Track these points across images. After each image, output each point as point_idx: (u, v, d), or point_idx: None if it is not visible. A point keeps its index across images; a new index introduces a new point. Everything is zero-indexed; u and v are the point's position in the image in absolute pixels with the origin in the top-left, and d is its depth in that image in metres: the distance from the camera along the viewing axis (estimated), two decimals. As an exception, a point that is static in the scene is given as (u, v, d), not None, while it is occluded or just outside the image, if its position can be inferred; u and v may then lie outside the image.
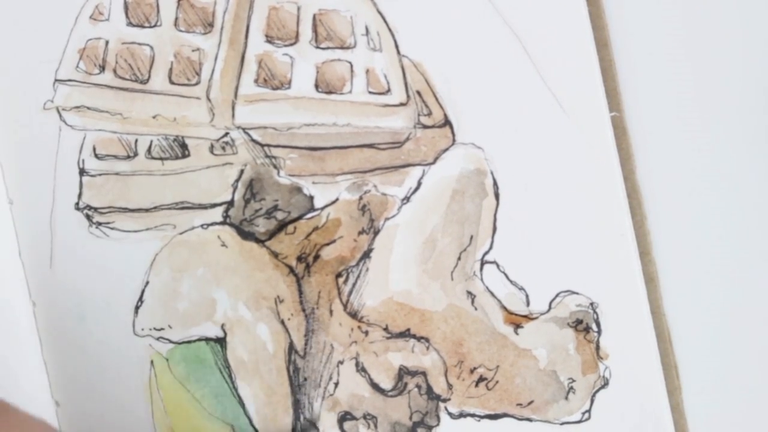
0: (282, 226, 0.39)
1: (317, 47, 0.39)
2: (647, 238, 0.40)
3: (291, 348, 0.40)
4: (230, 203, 0.39)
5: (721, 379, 0.40)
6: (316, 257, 0.39)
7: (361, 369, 0.40)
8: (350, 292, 0.39)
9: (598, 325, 0.39)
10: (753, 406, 0.40)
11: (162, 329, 0.39)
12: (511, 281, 0.39)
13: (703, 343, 0.40)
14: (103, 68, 0.39)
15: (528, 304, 0.39)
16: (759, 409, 0.40)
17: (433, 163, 0.39)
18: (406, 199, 0.39)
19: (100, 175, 0.40)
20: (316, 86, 0.39)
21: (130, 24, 0.39)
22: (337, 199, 0.39)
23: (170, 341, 0.40)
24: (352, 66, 0.39)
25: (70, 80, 0.39)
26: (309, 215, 0.39)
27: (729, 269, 0.40)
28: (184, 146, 0.39)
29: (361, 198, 0.39)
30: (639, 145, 0.40)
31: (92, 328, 0.39)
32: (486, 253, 0.39)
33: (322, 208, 0.39)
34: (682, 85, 0.40)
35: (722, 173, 0.40)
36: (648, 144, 0.40)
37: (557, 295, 0.39)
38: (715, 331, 0.40)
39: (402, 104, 0.39)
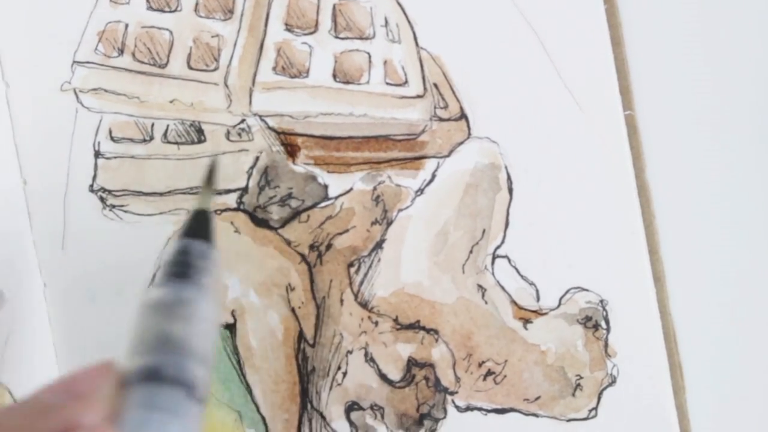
0: (295, 214, 0.40)
1: (336, 37, 0.39)
2: (655, 237, 0.40)
3: (300, 336, 0.40)
4: (244, 190, 0.39)
5: (725, 380, 0.40)
6: (329, 246, 0.39)
7: (369, 359, 0.40)
8: (361, 282, 0.39)
9: (607, 322, 0.39)
10: (756, 408, 0.40)
11: (172, 314, 0.39)
12: (522, 276, 0.40)
13: (708, 343, 0.40)
14: (121, 51, 0.40)
15: (538, 299, 0.40)
16: (762, 410, 0.40)
17: (448, 155, 0.39)
18: (420, 191, 0.40)
19: (115, 157, 0.40)
20: (334, 76, 0.39)
21: (150, 8, 0.40)
22: (351, 189, 0.40)
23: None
24: (370, 57, 0.39)
25: (88, 62, 0.40)
26: (323, 204, 0.40)
27: (736, 270, 0.40)
28: (200, 131, 0.39)
29: (375, 188, 0.39)
30: (649, 144, 0.40)
31: (103, 311, 0.39)
32: (498, 247, 0.40)
33: (336, 198, 0.40)
34: (693, 85, 0.40)
35: (731, 174, 0.40)
36: (658, 143, 0.40)
37: (567, 292, 0.39)
38: (720, 331, 0.40)
39: (419, 96, 0.39)
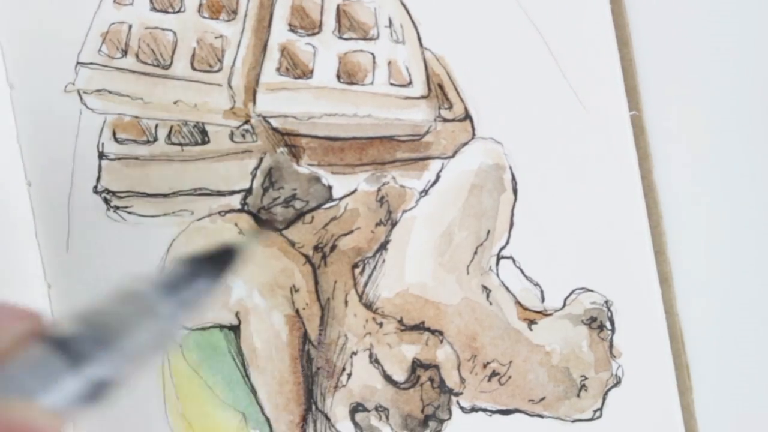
0: (300, 216, 0.39)
1: (340, 37, 0.39)
2: (662, 238, 0.40)
3: (305, 338, 0.40)
4: (248, 191, 0.39)
5: (732, 380, 0.40)
6: (333, 247, 0.39)
7: (374, 360, 0.40)
8: (366, 283, 0.39)
9: (612, 323, 0.39)
10: (764, 408, 0.40)
11: (176, 315, 0.39)
12: (526, 277, 0.39)
13: (716, 344, 0.40)
14: (125, 52, 0.39)
15: (543, 300, 0.39)
16: (769, 412, 0.40)
17: (453, 156, 0.39)
18: (425, 191, 0.39)
19: (119, 159, 0.40)
20: (338, 76, 0.39)
21: (153, 9, 0.39)
22: (355, 190, 0.39)
23: (184, 327, 0.40)
24: (374, 57, 0.39)
25: (92, 63, 0.39)
26: (327, 205, 0.39)
27: (743, 271, 0.40)
28: (204, 133, 0.39)
29: (379, 189, 0.39)
30: (656, 145, 0.40)
31: (107, 312, 0.39)
32: (502, 248, 0.39)
33: (341, 199, 0.39)
34: (701, 86, 0.40)
35: (739, 175, 0.40)
36: (665, 144, 0.40)
37: (572, 292, 0.39)
38: (727, 332, 0.40)
39: (423, 97, 0.39)
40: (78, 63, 0.40)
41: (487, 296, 0.39)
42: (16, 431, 0.21)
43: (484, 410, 0.40)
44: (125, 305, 0.25)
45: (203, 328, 0.40)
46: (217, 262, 0.28)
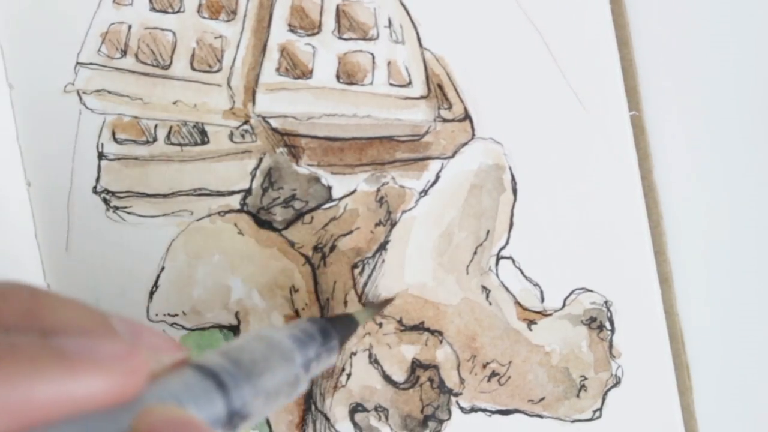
0: (299, 216, 0.39)
1: (340, 38, 0.39)
2: (662, 238, 0.40)
3: (304, 338, 0.39)
4: (248, 191, 0.39)
5: (733, 380, 0.40)
6: (333, 248, 0.39)
7: (374, 361, 0.40)
8: (365, 284, 0.39)
9: (611, 323, 0.39)
10: (764, 408, 0.40)
11: (176, 315, 0.39)
12: (526, 277, 0.39)
13: (716, 344, 0.40)
14: (125, 53, 0.39)
15: (542, 300, 0.39)
16: (769, 412, 0.40)
17: (452, 156, 0.39)
18: (424, 192, 0.39)
19: (118, 159, 0.40)
20: (338, 77, 0.39)
21: (153, 9, 0.39)
22: (355, 190, 0.39)
23: (184, 327, 0.40)
24: (374, 57, 0.39)
25: (91, 64, 0.40)
26: (326, 205, 0.39)
27: (743, 271, 0.40)
28: (203, 133, 0.39)
29: (379, 190, 0.39)
30: (657, 145, 0.40)
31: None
32: (502, 248, 0.39)
33: (340, 199, 0.39)
34: (701, 86, 0.40)
35: (739, 175, 0.40)
36: (666, 144, 0.40)
37: (572, 293, 0.39)
38: (727, 332, 0.40)
39: (423, 97, 0.39)
40: (78, 63, 0.40)
41: (487, 296, 0.39)
42: (177, 427, 0.22)
43: (484, 410, 0.40)
44: (265, 348, 0.28)
45: (203, 329, 0.40)
46: (339, 328, 0.33)
